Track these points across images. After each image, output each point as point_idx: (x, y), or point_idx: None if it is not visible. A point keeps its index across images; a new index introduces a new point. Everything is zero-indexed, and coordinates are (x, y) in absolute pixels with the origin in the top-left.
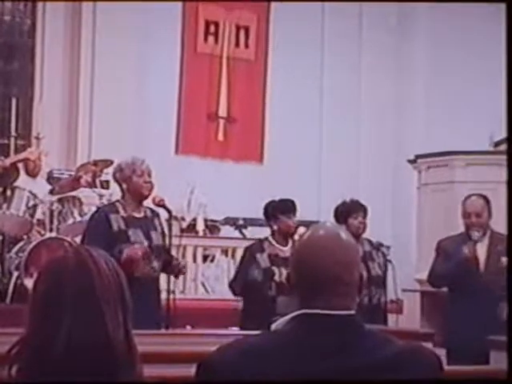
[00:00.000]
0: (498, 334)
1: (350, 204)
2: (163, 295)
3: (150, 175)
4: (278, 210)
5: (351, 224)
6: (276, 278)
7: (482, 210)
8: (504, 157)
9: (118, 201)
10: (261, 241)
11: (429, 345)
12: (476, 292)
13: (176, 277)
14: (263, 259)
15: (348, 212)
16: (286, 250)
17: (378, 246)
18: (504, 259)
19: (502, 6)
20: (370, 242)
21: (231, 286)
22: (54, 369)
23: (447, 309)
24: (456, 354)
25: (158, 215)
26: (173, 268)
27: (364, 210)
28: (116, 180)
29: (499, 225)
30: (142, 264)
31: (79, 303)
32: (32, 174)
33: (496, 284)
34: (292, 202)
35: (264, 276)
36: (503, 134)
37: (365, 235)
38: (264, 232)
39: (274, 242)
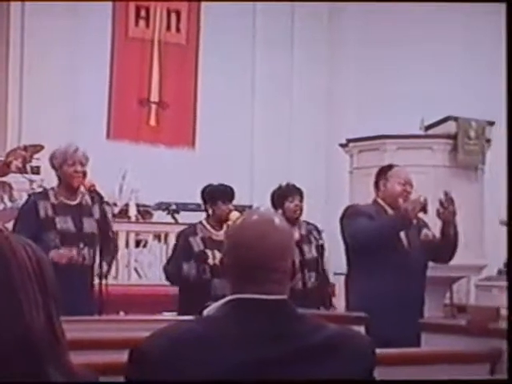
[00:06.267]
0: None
1: (285, 188)
2: (96, 281)
3: (83, 164)
4: (215, 195)
5: (287, 208)
6: (210, 261)
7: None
8: (435, 140)
9: (52, 188)
10: (194, 225)
11: (361, 328)
12: (399, 267)
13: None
14: (197, 242)
15: (284, 196)
16: (219, 234)
17: (315, 229)
18: (426, 231)
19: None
20: (307, 224)
21: (165, 269)
22: None
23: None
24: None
25: (99, 201)
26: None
27: (300, 193)
28: (52, 166)
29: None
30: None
31: None
32: None
33: (419, 261)
34: (230, 188)
35: (196, 262)
36: (434, 118)
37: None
38: (196, 217)
39: (207, 226)
